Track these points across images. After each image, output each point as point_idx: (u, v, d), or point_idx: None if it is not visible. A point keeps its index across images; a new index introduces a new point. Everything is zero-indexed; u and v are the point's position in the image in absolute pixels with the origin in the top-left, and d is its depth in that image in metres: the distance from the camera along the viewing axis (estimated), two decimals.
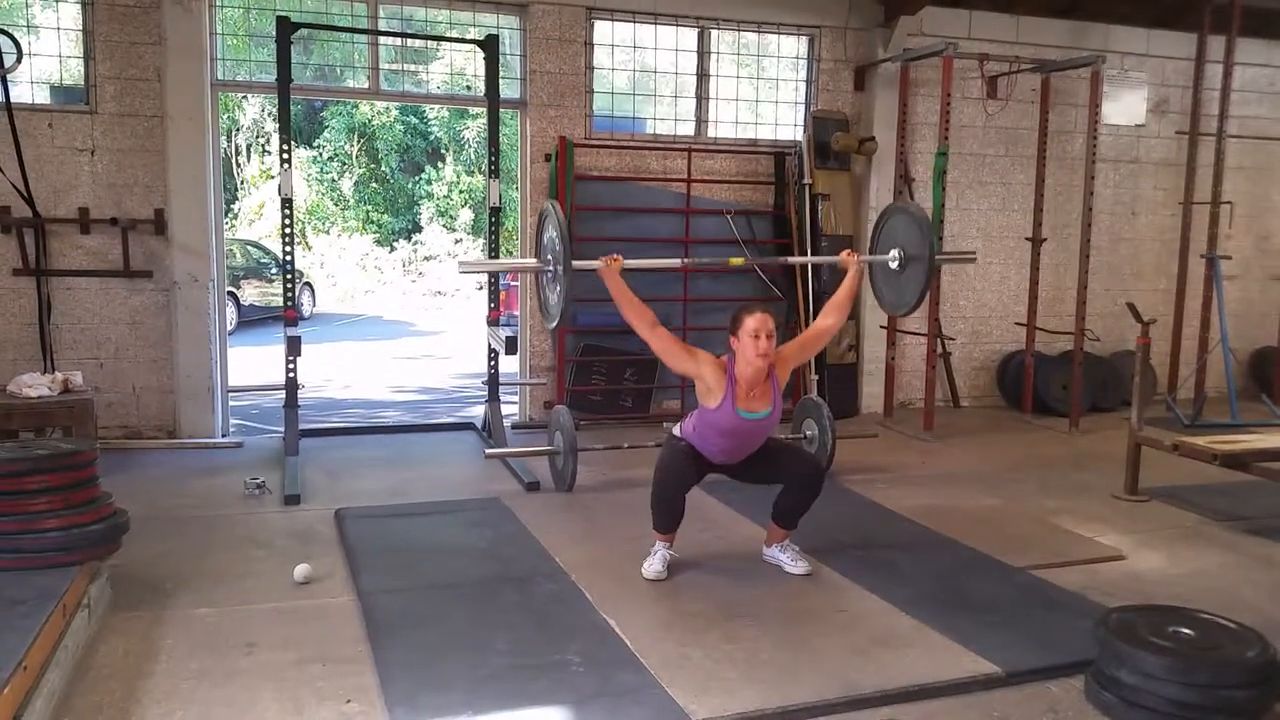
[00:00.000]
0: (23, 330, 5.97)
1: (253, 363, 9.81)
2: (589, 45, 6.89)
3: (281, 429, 6.20)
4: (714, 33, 7.28)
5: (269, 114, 19.68)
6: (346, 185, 21.62)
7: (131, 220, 6.03)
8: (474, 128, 20.27)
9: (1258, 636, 2.95)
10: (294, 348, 5.88)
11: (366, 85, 6.87)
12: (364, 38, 6.60)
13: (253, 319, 14.26)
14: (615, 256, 4.08)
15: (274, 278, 14.67)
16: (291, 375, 6.07)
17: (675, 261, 6.14)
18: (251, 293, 14.59)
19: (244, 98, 19.36)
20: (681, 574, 4.01)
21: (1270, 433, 5.50)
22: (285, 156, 5.91)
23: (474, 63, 7.25)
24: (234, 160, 20.76)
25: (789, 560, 4.08)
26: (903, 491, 5.38)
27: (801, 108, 7.54)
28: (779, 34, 7.40)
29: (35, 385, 5.23)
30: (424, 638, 3.34)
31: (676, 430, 4.12)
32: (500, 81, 6.30)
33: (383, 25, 6.61)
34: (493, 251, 6.52)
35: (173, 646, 3.27)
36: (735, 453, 4.01)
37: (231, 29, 7.19)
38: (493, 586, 3.84)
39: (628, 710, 2.87)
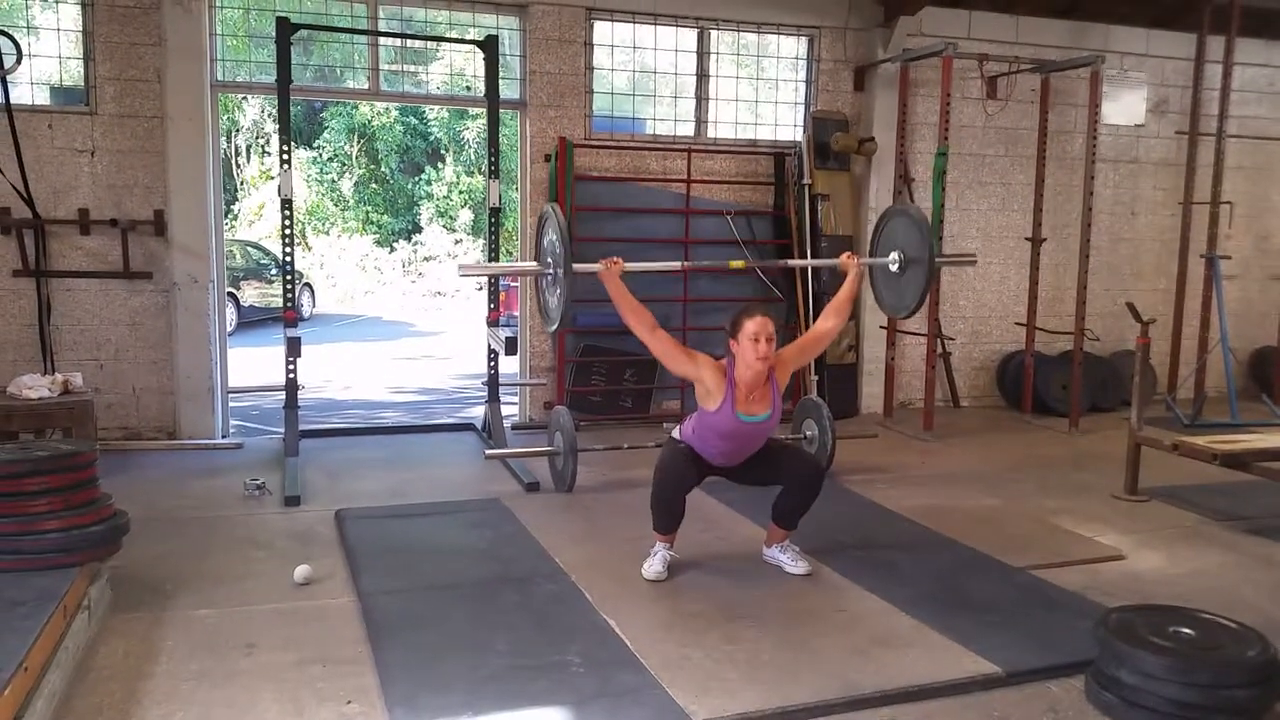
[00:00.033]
0: (22, 331, 5.97)
1: (253, 364, 9.81)
2: (589, 46, 6.90)
3: (281, 430, 6.20)
4: (713, 33, 7.29)
5: (269, 115, 19.69)
6: (346, 186, 21.63)
7: (131, 221, 6.03)
8: (474, 128, 20.27)
9: (1258, 636, 2.95)
10: (294, 349, 5.88)
11: (366, 86, 6.87)
12: (364, 38, 6.60)
13: (253, 320, 14.26)
14: (615, 259, 4.07)
15: (274, 279, 14.67)
16: (291, 376, 6.07)
17: (676, 265, 6.15)
18: (251, 294, 14.60)
19: (244, 99, 19.37)
20: (682, 574, 4.01)
21: (1270, 432, 5.50)
22: (285, 157, 5.91)
23: (474, 63, 7.25)
24: (234, 161, 20.76)
25: (789, 560, 4.08)
26: (902, 491, 5.38)
27: (801, 108, 7.54)
28: (779, 34, 7.40)
29: (35, 386, 5.23)
30: (424, 638, 3.34)
31: (676, 433, 4.12)
32: (500, 82, 6.31)
33: (382, 26, 6.62)
34: (492, 252, 6.52)
35: (173, 648, 3.27)
36: (735, 455, 4.01)
37: (231, 30, 7.20)
38: (493, 587, 3.84)
39: (628, 711, 2.87)
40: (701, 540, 4.37)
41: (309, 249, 20.27)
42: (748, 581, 3.96)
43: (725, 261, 6.77)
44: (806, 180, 7.22)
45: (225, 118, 18.32)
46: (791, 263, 7.06)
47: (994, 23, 7.59)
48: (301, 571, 3.88)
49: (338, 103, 20.12)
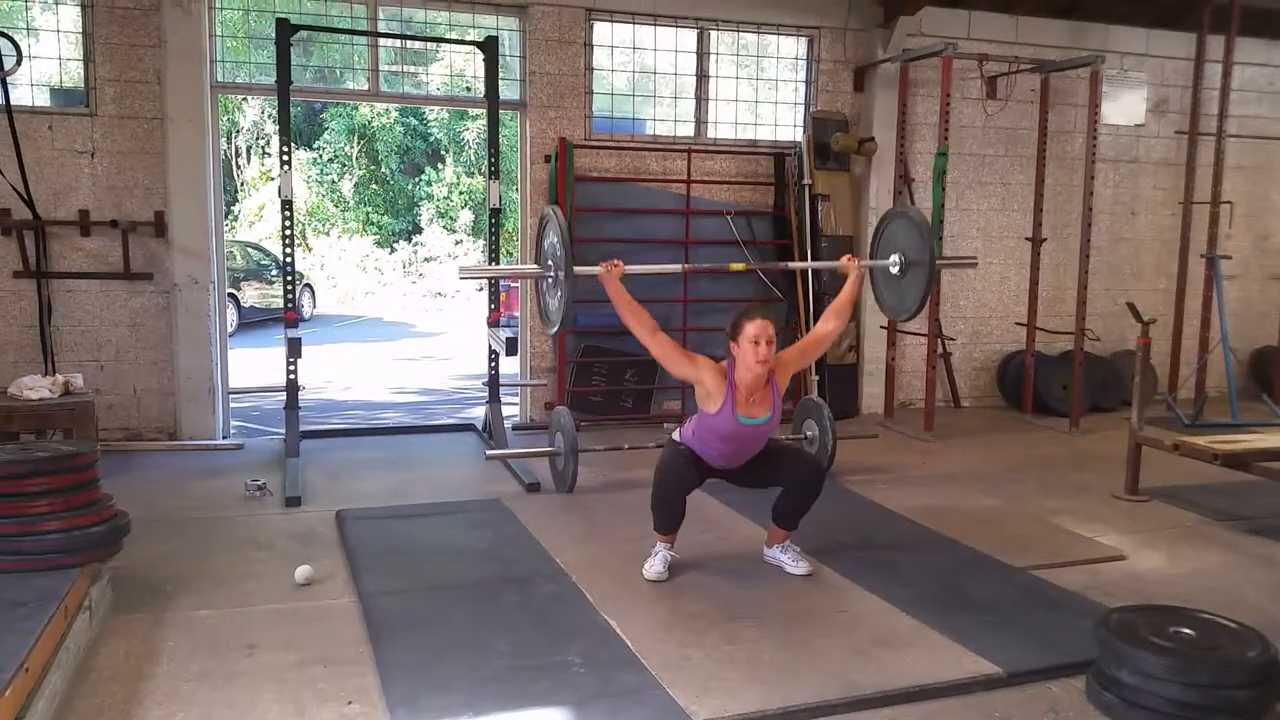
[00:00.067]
0: (23, 332, 5.98)
1: (253, 364, 9.80)
2: (588, 46, 6.90)
3: (282, 431, 6.20)
4: (713, 34, 7.29)
5: (269, 116, 19.69)
6: (346, 187, 21.63)
7: (132, 222, 6.03)
8: (474, 129, 20.27)
9: (1259, 636, 2.95)
10: (294, 349, 5.88)
11: (366, 87, 6.87)
12: (364, 39, 6.60)
13: (253, 321, 14.26)
14: (616, 262, 4.07)
15: (274, 279, 14.68)
16: (292, 377, 6.07)
17: (676, 267, 6.16)
18: (252, 294, 14.61)
19: (244, 100, 19.37)
20: (682, 575, 4.01)
21: (1271, 432, 5.49)
22: (285, 158, 5.91)
23: (474, 64, 7.26)
24: (234, 162, 20.76)
25: (790, 561, 4.08)
26: (903, 492, 5.38)
27: (801, 108, 7.54)
28: (778, 35, 7.41)
29: (36, 387, 5.23)
30: (425, 639, 3.34)
31: (676, 435, 4.12)
32: (500, 83, 6.31)
33: (382, 27, 6.62)
34: (493, 253, 6.53)
35: (174, 648, 3.27)
36: (735, 457, 4.01)
37: (231, 31, 7.21)
38: (493, 588, 3.85)
39: (629, 711, 2.87)
40: (702, 541, 4.37)
41: (309, 250, 20.27)
42: (748, 582, 3.96)
43: (725, 263, 6.81)
44: (806, 180, 7.22)
45: (225, 119, 18.30)
46: (792, 265, 7.07)
47: (994, 23, 7.59)
48: (302, 572, 3.88)
49: (338, 104, 20.12)
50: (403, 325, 16.54)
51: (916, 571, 4.08)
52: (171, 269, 6.15)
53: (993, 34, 7.55)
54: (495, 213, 6.40)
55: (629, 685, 3.03)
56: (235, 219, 19.74)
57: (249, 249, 15.87)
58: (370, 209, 21.90)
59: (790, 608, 3.72)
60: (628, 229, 6.97)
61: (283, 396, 6.14)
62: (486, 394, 6.56)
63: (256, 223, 20.12)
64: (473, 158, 21.22)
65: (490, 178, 6.38)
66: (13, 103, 5.78)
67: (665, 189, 7.12)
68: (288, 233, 5.99)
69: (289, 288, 6.09)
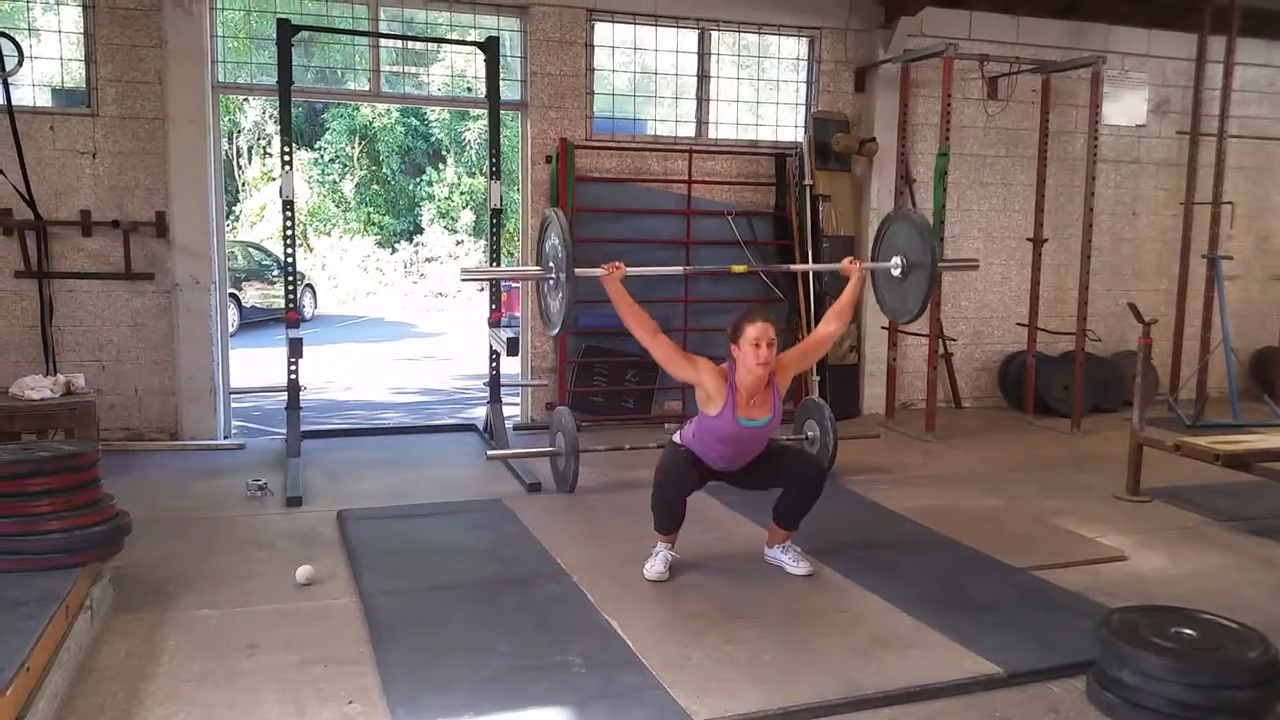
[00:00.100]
0: (25, 332, 5.98)
1: (254, 364, 9.80)
2: (589, 47, 6.90)
3: (283, 431, 6.21)
4: (714, 34, 7.29)
5: (270, 116, 19.69)
6: (348, 187, 21.64)
7: (133, 223, 6.04)
8: (475, 129, 20.28)
9: (1260, 637, 2.95)
10: (295, 349, 5.89)
11: (367, 87, 6.87)
12: (365, 40, 6.61)
13: (254, 321, 14.27)
14: (618, 264, 4.08)
15: (275, 279, 14.69)
16: (293, 377, 6.07)
17: (678, 269, 6.16)
18: (253, 295, 14.61)
19: (245, 100, 19.37)
20: (683, 575, 4.01)
21: (1272, 433, 5.49)
22: (286, 159, 5.91)
23: (475, 65, 7.27)
24: (235, 162, 20.78)
25: (790, 561, 4.08)
26: (904, 492, 5.38)
27: (802, 109, 7.54)
28: (779, 35, 7.41)
29: (37, 387, 5.23)
30: (426, 639, 3.34)
31: (677, 437, 4.12)
32: (501, 83, 6.31)
33: (383, 28, 6.62)
34: (494, 253, 6.53)
35: (175, 648, 3.27)
36: (735, 459, 4.01)
37: (232, 31, 7.20)
38: (494, 588, 3.85)
39: (629, 711, 2.87)
40: (703, 541, 4.37)
41: (310, 250, 20.28)
42: (749, 582, 3.96)
43: (727, 263, 6.81)
44: (808, 181, 7.22)
45: (226, 119, 18.35)
46: (794, 268, 7.08)
47: (995, 23, 7.59)
48: (303, 572, 3.89)
49: (339, 104, 20.13)
50: (404, 325, 16.55)
51: (917, 572, 4.08)
52: (173, 269, 6.16)
53: (994, 34, 7.55)
54: (496, 213, 6.40)
55: (630, 685, 3.03)
56: (236, 219, 19.75)
57: (250, 249, 15.89)
58: (371, 209, 21.91)
59: (791, 608, 3.72)
60: (629, 229, 6.97)
61: (284, 396, 6.14)
62: (488, 394, 6.56)
63: (258, 223, 20.12)
64: (474, 158, 21.23)
65: (491, 178, 6.38)
66: (14, 103, 5.78)
67: (666, 189, 7.13)
68: (289, 233, 6.00)
69: (290, 288, 6.10)
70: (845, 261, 4.48)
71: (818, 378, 7.12)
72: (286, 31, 5.69)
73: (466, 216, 21.72)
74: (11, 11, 6.04)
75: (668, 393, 7.24)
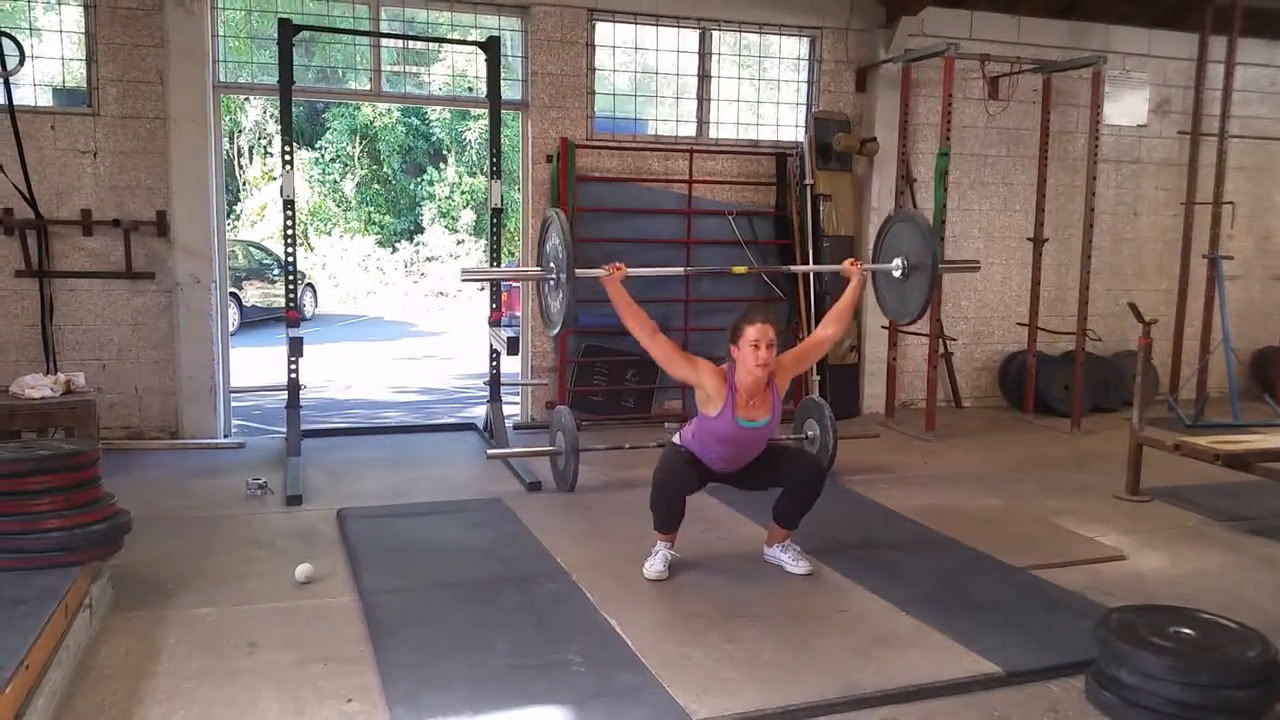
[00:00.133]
0: (25, 331, 5.99)
1: (255, 363, 9.81)
2: (590, 47, 6.90)
3: (283, 430, 6.21)
4: (715, 34, 7.29)
5: (271, 116, 19.71)
6: (348, 186, 21.66)
7: (134, 222, 6.04)
8: (476, 129, 20.29)
9: (1259, 637, 2.95)
10: (296, 348, 5.89)
11: (368, 87, 6.87)
12: (366, 40, 6.61)
13: (255, 320, 14.28)
14: (618, 265, 4.08)
15: (276, 279, 14.70)
16: (293, 376, 6.07)
17: (678, 270, 6.17)
18: (253, 294, 14.62)
19: (246, 100, 19.39)
20: (682, 574, 4.01)
21: (1272, 433, 5.48)
22: (287, 158, 5.92)
23: (476, 64, 7.27)
24: (236, 162, 20.79)
25: (790, 560, 4.08)
26: (904, 492, 5.38)
27: (803, 109, 7.54)
28: (780, 35, 7.41)
29: (38, 386, 5.24)
30: (425, 637, 3.34)
31: (676, 438, 4.12)
32: (502, 83, 6.31)
33: (384, 27, 6.62)
34: (494, 252, 6.53)
35: (174, 646, 3.27)
36: (735, 460, 4.01)
37: (233, 31, 7.21)
38: (494, 586, 3.85)
39: (628, 710, 2.87)
40: (702, 540, 4.37)
41: (311, 249, 20.30)
42: (748, 581, 3.96)
43: (727, 262, 6.83)
44: (808, 180, 7.22)
45: (227, 119, 18.35)
46: (795, 269, 7.08)
47: (996, 23, 7.59)
48: (303, 570, 3.89)
49: (340, 104, 20.13)
50: (404, 325, 16.56)
51: (917, 571, 4.08)
52: (173, 268, 6.16)
53: (995, 34, 7.55)
54: (497, 213, 6.41)
55: (629, 684, 3.03)
56: (237, 218, 19.77)
57: (251, 248, 15.90)
58: (372, 209, 21.93)
59: (790, 607, 3.72)
60: (629, 229, 6.97)
61: (284, 395, 6.15)
62: (488, 393, 6.56)
63: (258, 222, 20.14)
64: (474, 158, 21.24)
65: (492, 178, 6.38)
66: (15, 102, 5.79)
67: (667, 189, 7.12)
68: (289, 232, 6.00)
69: (290, 287, 6.10)
70: (846, 263, 4.48)
71: (818, 377, 7.12)
72: (288, 31, 5.69)
73: (467, 216, 21.74)
74: (13, 11, 6.05)
75: (668, 392, 7.24)
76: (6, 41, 5.67)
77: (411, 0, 6.61)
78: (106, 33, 5.94)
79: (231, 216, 18.51)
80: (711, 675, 3.11)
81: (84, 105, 6.03)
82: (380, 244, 21.50)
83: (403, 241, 21.79)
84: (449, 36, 6.77)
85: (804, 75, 7.54)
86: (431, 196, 21.93)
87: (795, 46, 7.51)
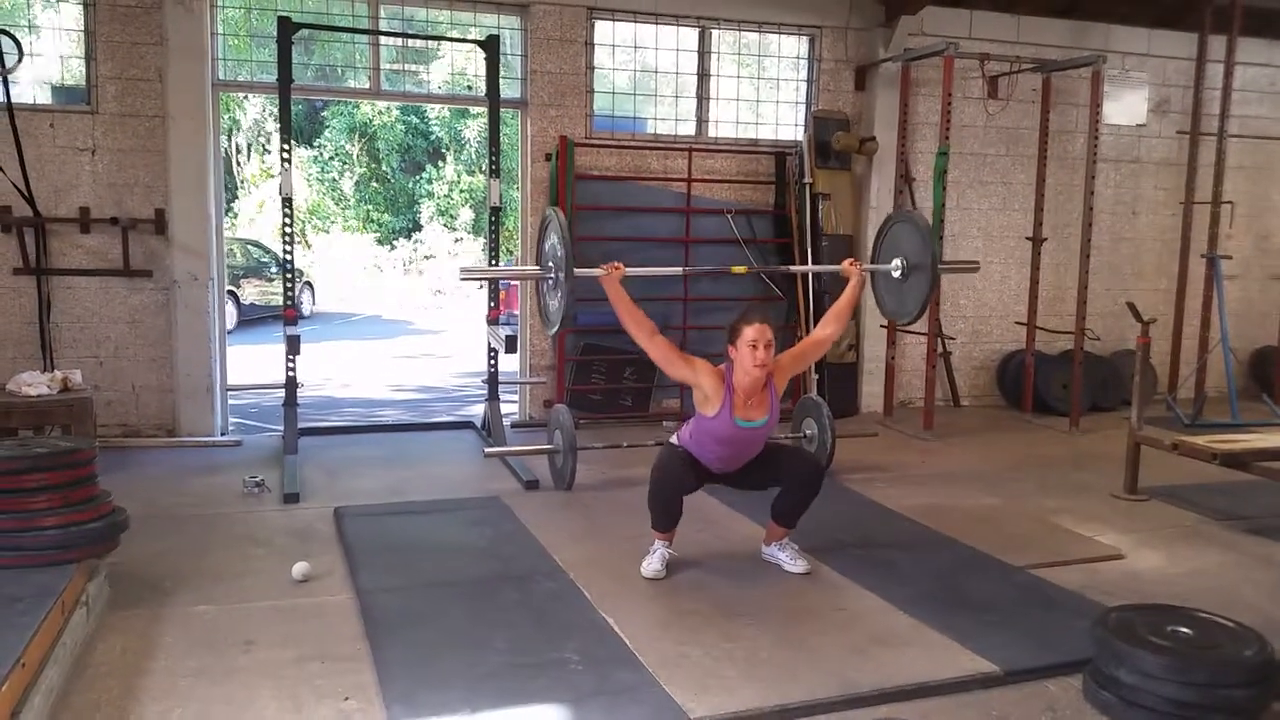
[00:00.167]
0: (23, 329, 5.98)
1: (252, 361, 9.81)
2: (590, 45, 6.90)
3: (280, 428, 6.21)
4: (715, 32, 7.28)
5: (270, 114, 19.70)
6: (347, 184, 21.66)
7: (132, 219, 6.03)
8: (474, 127, 20.29)
9: (1256, 636, 2.95)
10: (293, 346, 5.89)
11: (367, 85, 6.87)
12: (365, 38, 6.60)
13: (252, 318, 14.28)
14: (617, 265, 4.07)
15: (274, 277, 14.69)
16: (291, 374, 6.07)
17: (677, 269, 6.17)
18: (251, 292, 14.62)
19: (245, 97, 19.39)
20: (680, 573, 4.01)
21: (1270, 432, 5.49)
22: (286, 156, 5.91)
23: (475, 63, 7.25)
24: (234, 160, 20.79)
25: (788, 559, 4.08)
26: (902, 490, 5.38)
27: (802, 107, 7.54)
28: (780, 34, 7.40)
29: (35, 383, 5.24)
30: (422, 636, 3.34)
31: (674, 439, 4.12)
32: (501, 81, 6.30)
33: (384, 25, 6.61)
34: (493, 251, 6.53)
35: (171, 644, 3.27)
36: (732, 461, 4.01)
37: (233, 29, 7.20)
38: (492, 585, 3.85)
39: (626, 708, 2.87)
40: (700, 539, 4.37)
41: (309, 247, 20.29)
42: (746, 580, 3.96)
43: (726, 261, 6.84)
44: (807, 179, 7.21)
45: (226, 116, 18.34)
46: (793, 269, 7.08)
47: (995, 22, 7.59)
48: (300, 569, 3.88)
49: (339, 102, 20.13)
50: (402, 323, 16.55)
51: (915, 570, 4.08)
52: (171, 266, 6.16)
53: (994, 33, 7.54)
54: (496, 211, 6.40)
55: (626, 683, 3.03)
56: (235, 216, 19.76)
57: (249, 246, 15.88)
58: (371, 207, 21.93)
59: (788, 606, 3.72)
60: (628, 227, 6.97)
61: (281, 393, 6.14)
62: (486, 392, 6.56)
63: (257, 220, 20.13)
64: (473, 156, 21.24)
65: (491, 176, 6.37)
66: (14, 100, 5.78)
67: (666, 188, 7.12)
68: (288, 230, 6.00)
69: (288, 285, 6.09)
70: (845, 263, 4.48)
71: (816, 376, 7.12)
72: (287, 29, 5.69)
73: (465, 214, 21.75)
74: (11, 8, 6.04)
75: (666, 391, 7.24)
76: (5, 39, 5.66)
77: None
78: (105, 30, 5.93)
79: (230, 214, 18.49)
80: (709, 674, 3.11)
81: (83, 103, 6.02)
82: (379, 242, 21.51)
83: (401, 239, 21.80)
84: (448, 35, 6.77)
85: (803, 74, 7.54)
86: (430, 195, 21.94)
87: (795, 45, 7.50)
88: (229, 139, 20.25)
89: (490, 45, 6.21)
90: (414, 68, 8.15)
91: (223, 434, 6.46)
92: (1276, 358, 8.31)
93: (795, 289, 7.26)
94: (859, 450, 6.11)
